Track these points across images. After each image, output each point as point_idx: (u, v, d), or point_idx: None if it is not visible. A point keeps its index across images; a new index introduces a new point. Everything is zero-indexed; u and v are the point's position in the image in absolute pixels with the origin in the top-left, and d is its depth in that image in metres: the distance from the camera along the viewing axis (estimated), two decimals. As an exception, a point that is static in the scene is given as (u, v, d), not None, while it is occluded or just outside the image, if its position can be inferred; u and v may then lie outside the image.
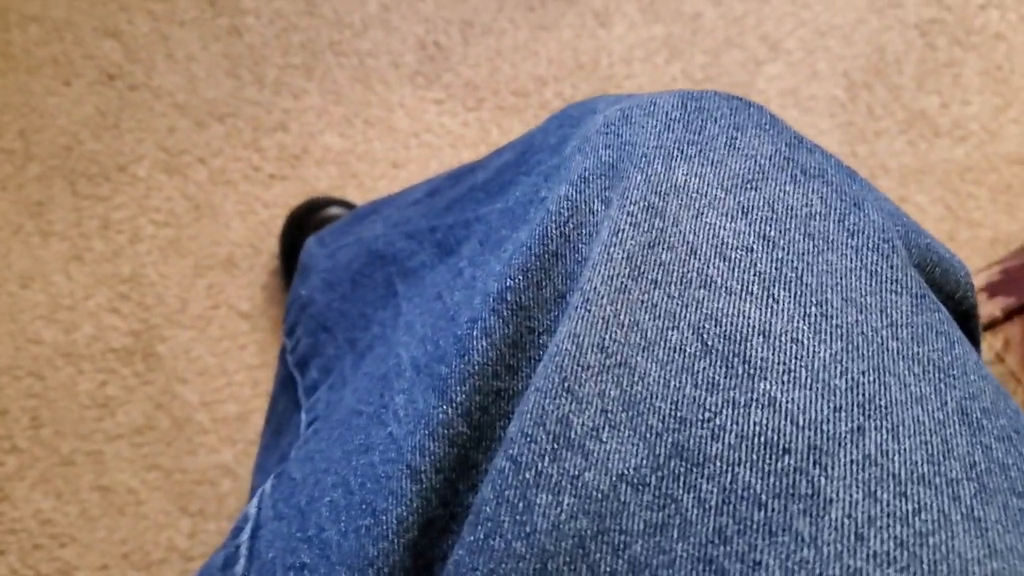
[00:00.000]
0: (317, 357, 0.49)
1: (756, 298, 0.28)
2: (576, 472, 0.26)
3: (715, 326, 0.27)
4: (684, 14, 1.06)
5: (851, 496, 0.24)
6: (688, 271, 0.28)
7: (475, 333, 0.30)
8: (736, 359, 0.27)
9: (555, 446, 0.27)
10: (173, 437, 0.90)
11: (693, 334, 0.27)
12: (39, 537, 0.88)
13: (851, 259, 0.29)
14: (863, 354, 0.27)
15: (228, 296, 0.94)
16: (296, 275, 0.59)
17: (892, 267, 0.30)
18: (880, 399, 0.26)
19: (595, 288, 0.28)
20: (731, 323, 0.27)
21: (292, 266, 0.91)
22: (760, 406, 0.26)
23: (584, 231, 0.31)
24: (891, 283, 0.29)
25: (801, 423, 0.25)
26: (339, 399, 0.41)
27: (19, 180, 0.94)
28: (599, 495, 0.26)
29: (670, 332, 0.27)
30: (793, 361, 0.26)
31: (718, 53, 1.05)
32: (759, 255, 0.28)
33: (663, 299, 0.28)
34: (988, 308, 0.61)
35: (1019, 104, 1.08)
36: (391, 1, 1.02)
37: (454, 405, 0.30)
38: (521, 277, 0.30)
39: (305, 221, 0.92)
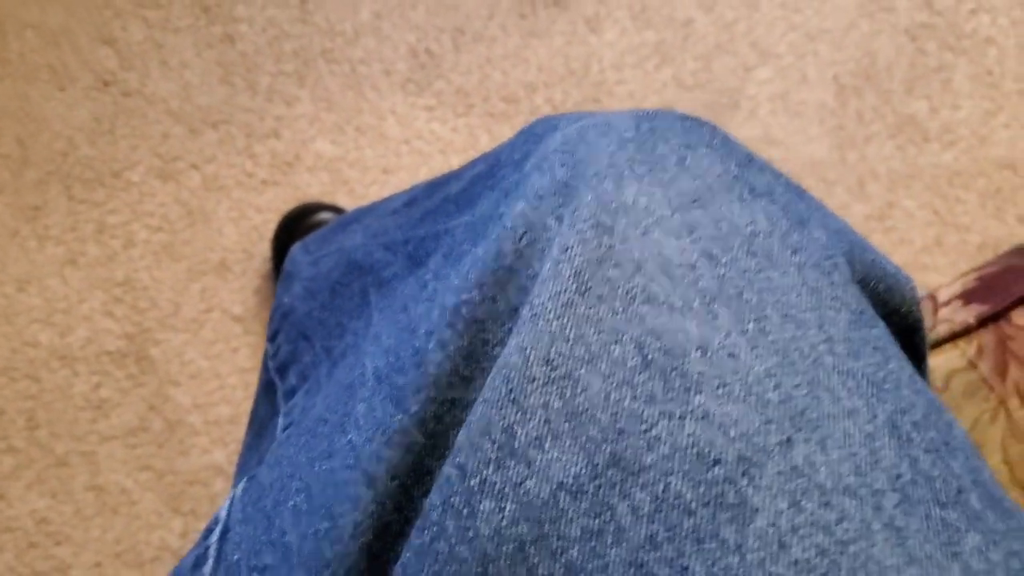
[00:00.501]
0: (296, 363, 0.51)
1: (696, 314, 0.29)
2: (519, 480, 0.27)
3: (656, 340, 0.28)
4: (675, 20, 1.07)
5: (776, 506, 0.25)
6: (633, 287, 0.29)
7: (431, 345, 0.31)
8: (674, 373, 0.28)
9: (499, 455, 0.28)
10: (166, 438, 0.92)
11: (635, 348, 0.28)
12: (34, 535, 0.89)
13: (793, 276, 0.30)
14: (798, 369, 0.28)
15: (221, 300, 0.95)
16: (280, 282, 0.60)
17: (832, 284, 0.31)
18: (812, 412, 0.27)
19: (543, 303, 0.29)
20: (671, 338, 0.28)
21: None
22: (695, 418, 0.27)
23: (538, 247, 0.32)
24: (831, 300, 0.30)
25: (732, 435, 0.26)
26: (312, 405, 0.42)
27: (16, 185, 0.96)
28: (539, 502, 0.27)
29: (613, 346, 0.28)
30: (729, 375, 0.27)
31: (709, 59, 1.06)
32: (702, 272, 0.29)
33: (608, 314, 0.29)
34: (962, 315, 0.62)
35: (1009, 109, 1.08)
36: (383, 9, 1.03)
37: (410, 414, 0.31)
38: (476, 291, 0.31)
39: (297, 226, 0.93)
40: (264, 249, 0.96)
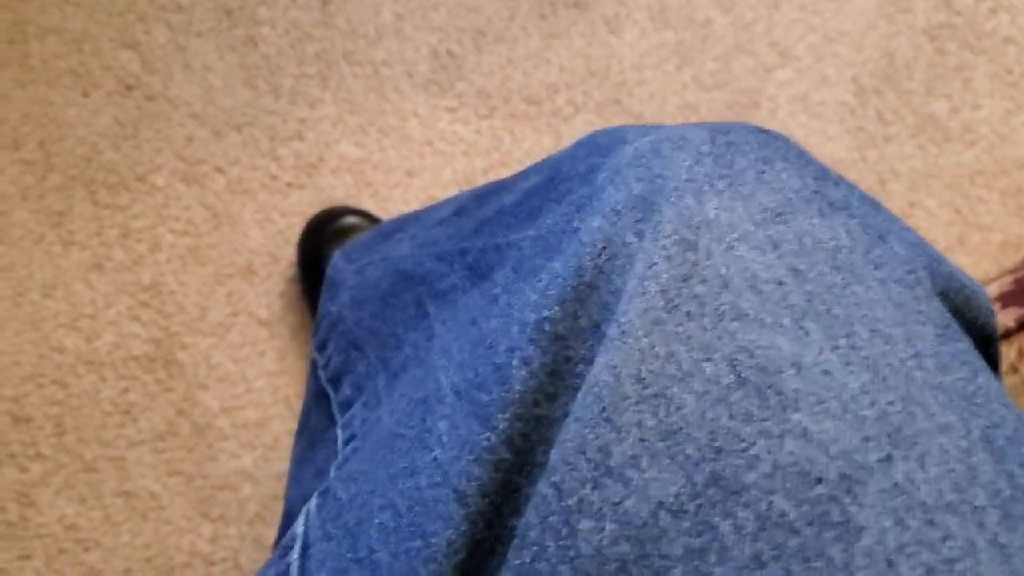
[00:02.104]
0: (349, 374, 0.51)
1: (788, 330, 0.29)
2: (617, 499, 0.27)
3: (748, 358, 0.28)
4: (694, 21, 1.07)
5: (881, 524, 0.25)
6: (721, 304, 0.29)
7: (514, 362, 0.31)
8: (770, 390, 0.28)
9: (596, 474, 0.28)
10: (194, 443, 0.92)
11: (728, 366, 0.28)
12: (64, 542, 0.89)
13: (877, 291, 0.30)
14: (890, 385, 0.28)
15: (247, 304, 0.95)
16: (324, 290, 0.60)
17: (916, 298, 0.31)
18: (907, 429, 0.27)
19: (631, 320, 0.29)
20: (764, 355, 0.28)
21: (310, 274, 0.92)
22: (793, 436, 0.27)
23: (618, 263, 0.32)
24: (916, 314, 0.30)
25: (832, 453, 0.26)
26: (376, 419, 0.42)
27: (40, 190, 0.95)
28: (639, 521, 0.27)
29: (705, 364, 0.28)
30: (824, 392, 0.27)
31: (728, 60, 1.06)
32: (790, 288, 0.30)
33: (698, 331, 0.29)
34: (1001, 319, 0.62)
35: (1028, 108, 1.09)
36: (405, 11, 1.03)
37: (497, 432, 0.31)
38: (558, 307, 0.31)
39: (322, 230, 0.93)
40: (289, 252, 0.96)
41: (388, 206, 0.98)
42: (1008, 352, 0.60)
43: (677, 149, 0.34)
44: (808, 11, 1.08)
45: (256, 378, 0.93)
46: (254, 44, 1.01)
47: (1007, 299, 0.64)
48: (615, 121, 1.03)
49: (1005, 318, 0.62)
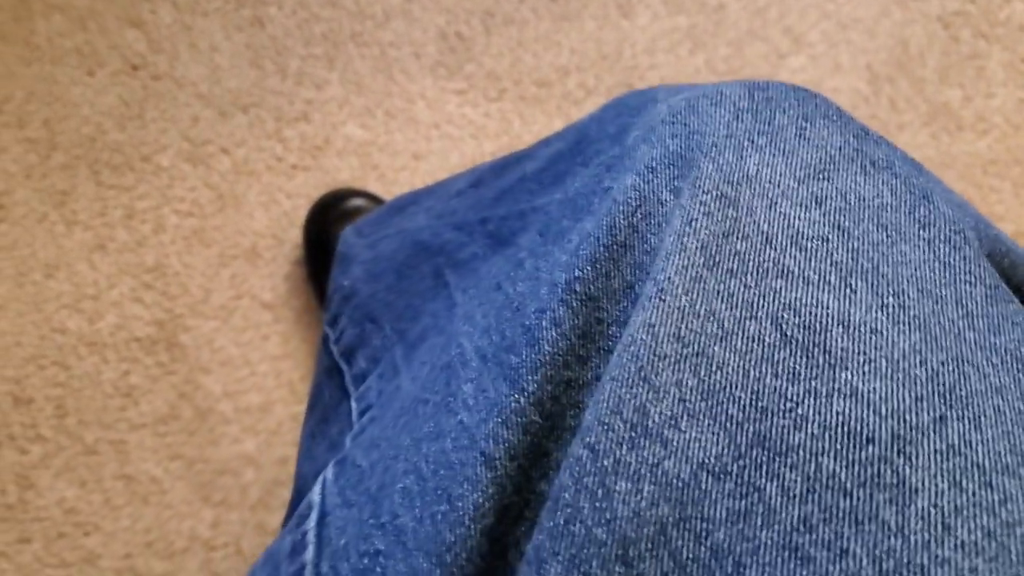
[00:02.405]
0: (364, 347, 0.49)
1: (834, 288, 0.27)
2: (655, 460, 0.26)
3: (794, 316, 0.27)
4: (707, 5, 1.05)
5: (936, 486, 0.24)
6: (764, 260, 0.28)
7: (544, 323, 0.30)
8: (816, 349, 0.26)
9: (633, 434, 0.26)
10: (196, 427, 0.90)
11: (772, 324, 0.27)
12: (63, 525, 0.88)
13: (924, 250, 0.29)
14: (941, 344, 0.27)
15: (251, 286, 0.94)
16: (335, 265, 0.58)
17: (965, 258, 0.30)
18: (960, 389, 0.26)
19: (669, 278, 0.28)
20: (810, 313, 0.27)
21: (315, 257, 0.91)
22: (842, 396, 0.26)
23: (653, 221, 0.30)
24: (965, 274, 0.29)
25: (884, 412, 0.25)
26: (395, 388, 0.41)
27: (43, 169, 0.94)
28: (679, 483, 0.26)
29: (748, 322, 0.27)
30: (873, 351, 0.26)
31: (741, 45, 1.05)
32: (835, 245, 0.28)
33: (740, 289, 0.28)
34: None
35: (1042, 97, 1.07)
36: (414, -9, 1.01)
37: (526, 394, 0.30)
38: (589, 268, 0.30)
39: (328, 212, 0.92)
40: (294, 235, 0.95)
41: (394, 189, 0.97)
42: None
43: (714, 105, 0.33)
44: (821, -3, 1.07)
45: (259, 362, 0.92)
46: (261, 24, 0.99)
47: None
48: (625, 106, 1.02)
49: None
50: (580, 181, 0.36)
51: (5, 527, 0.87)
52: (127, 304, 0.92)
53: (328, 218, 0.91)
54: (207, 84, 0.98)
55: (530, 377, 0.30)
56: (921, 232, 0.30)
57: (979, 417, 0.26)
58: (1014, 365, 0.27)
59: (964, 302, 0.28)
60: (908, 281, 0.28)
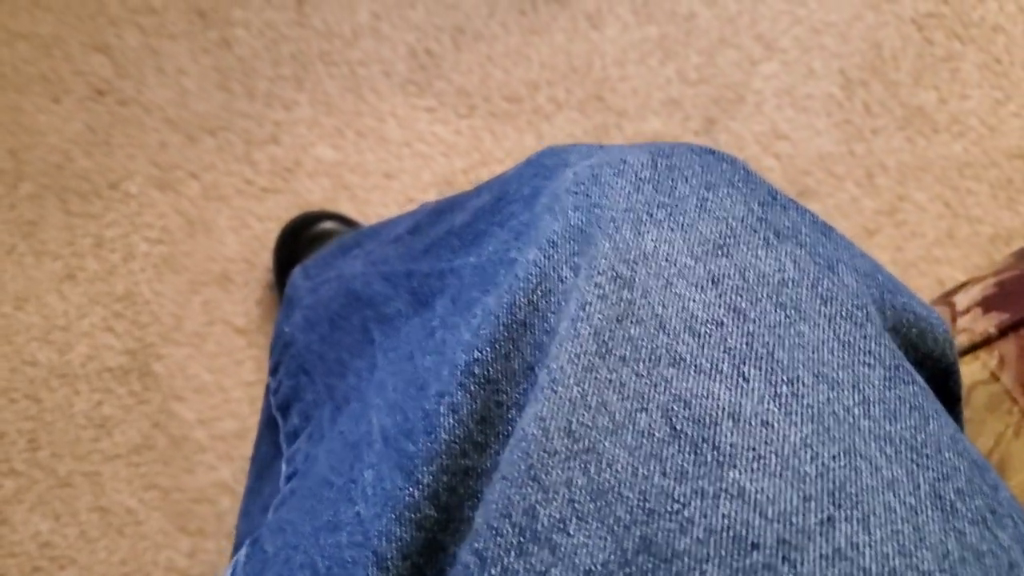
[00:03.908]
0: (298, 402, 0.49)
1: (726, 377, 0.27)
2: (543, 569, 0.25)
3: (684, 408, 0.26)
4: (678, 14, 1.05)
5: None
6: (657, 347, 0.28)
7: (442, 409, 0.30)
8: (705, 445, 0.26)
9: (521, 540, 0.26)
10: (171, 456, 0.90)
11: (662, 417, 0.26)
12: (38, 560, 0.88)
13: (824, 329, 0.28)
14: (834, 436, 0.26)
15: (224, 312, 0.93)
16: (281, 308, 0.58)
17: (865, 336, 0.29)
18: (851, 486, 0.25)
19: (562, 367, 0.28)
20: (700, 405, 0.26)
21: (287, 281, 0.90)
22: (729, 497, 0.25)
23: (553, 299, 0.30)
24: (864, 355, 0.28)
25: (770, 515, 0.25)
26: (315, 456, 0.41)
27: (11, 200, 0.94)
28: None
29: (638, 414, 0.27)
30: (763, 446, 0.26)
31: (712, 53, 1.04)
32: (729, 329, 0.28)
33: (631, 378, 0.27)
34: (982, 324, 0.60)
35: (1019, 97, 1.07)
36: (381, 9, 1.01)
37: (420, 487, 0.29)
38: (489, 349, 0.30)
39: (299, 235, 0.91)
40: (266, 259, 0.94)
41: (366, 209, 0.97)
42: (989, 360, 0.59)
43: (616, 175, 0.32)
44: (794, 2, 1.06)
45: (233, 388, 0.92)
46: (228, 46, 0.99)
47: (989, 303, 0.62)
48: (598, 118, 1.01)
49: (987, 323, 0.60)
50: (492, 245, 0.36)
51: (-20, 562, 0.87)
52: (98, 334, 0.92)
53: (299, 241, 0.91)
54: (175, 108, 0.97)
55: (425, 468, 0.29)
56: (822, 308, 0.29)
57: (868, 516, 0.25)
58: (908, 455, 0.27)
59: (861, 386, 0.28)
60: (804, 366, 0.27)
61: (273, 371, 0.54)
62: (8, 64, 0.96)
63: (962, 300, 0.64)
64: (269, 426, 0.53)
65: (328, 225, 0.91)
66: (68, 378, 0.91)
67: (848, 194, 1.02)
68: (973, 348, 0.60)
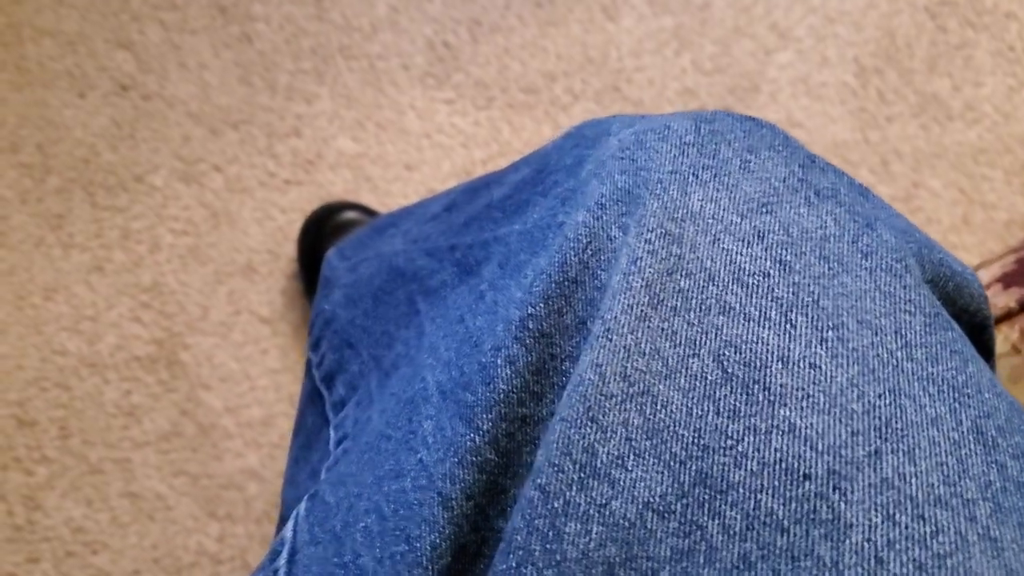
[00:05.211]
0: (343, 373, 0.50)
1: (774, 324, 0.28)
2: (603, 501, 0.27)
3: (735, 353, 0.28)
4: (692, 4, 1.06)
5: (870, 520, 0.25)
6: (707, 298, 0.29)
7: (499, 361, 0.31)
8: (756, 386, 0.27)
9: (582, 475, 0.27)
10: (199, 443, 0.92)
11: (714, 361, 0.28)
12: (71, 544, 0.89)
13: (865, 280, 0.30)
14: (879, 377, 0.27)
15: (249, 302, 0.95)
16: (319, 288, 0.59)
17: (905, 287, 0.30)
18: (896, 422, 0.27)
19: (615, 317, 0.29)
20: (750, 350, 0.28)
21: (310, 271, 0.92)
22: (780, 432, 0.26)
23: (603, 257, 0.31)
24: (904, 303, 0.30)
25: (820, 448, 0.26)
26: (367, 419, 0.42)
27: (39, 193, 0.95)
28: (626, 523, 0.26)
29: (691, 360, 0.28)
30: (811, 386, 0.27)
31: (727, 43, 1.05)
32: (776, 280, 0.29)
33: (683, 327, 0.29)
34: (1003, 299, 0.61)
35: (1032, 84, 1.07)
36: (399, 3, 1.02)
37: (481, 433, 0.30)
38: (542, 305, 0.31)
39: (321, 225, 0.92)
40: (289, 249, 0.96)
41: (387, 200, 0.98)
42: (1011, 333, 0.60)
43: (661, 140, 0.33)
44: (807, -8, 1.07)
45: (259, 376, 0.93)
46: (249, 40, 1.00)
47: (1009, 279, 0.63)
48: (615, 109, 1.03)
49: (1007, 299, 0.61)
50: (538, 213, 0.37)
51: (14, 548, 0.89)
52: (126, 324, 0.93)
53: (322, 232, 0.92)
54: (197, 102, 0.99)
55: (485, 416, 0.31)
56: (863, 262, 0.30)
57: (913, 449, 0.26)
58: (950, 394, 0.28)
59: (903, 332, 0.29)
60: (848, 313, 0.29)
61: (314, 347, 0.55)
62: (34, 60, 0.98)
63: (983, 277, 0.65)
64: (312, 399, 0.54)
65: (350, 215, 0.92)
66: (97, 367, 0.92)
67: (863, 181, 1.03)
68: (995, 322, 0.61)
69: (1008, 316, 0.60)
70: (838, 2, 1.07)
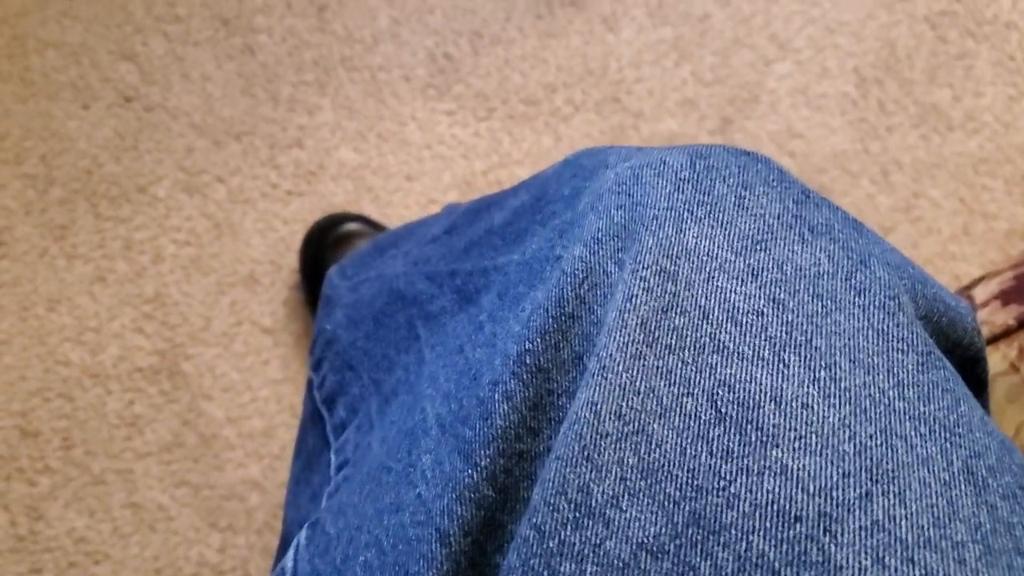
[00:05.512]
0: (343, 395, 0.51)
1: (767, 363, 0.28)
2: (598, 541, 0.27)
3: (728, 392, 0.28)
4: (692, 16, 1.06)
5: (860, 563, 0.25)
6: (701, 336, 0.29)
7: (496, 396, 0.31)
8: (749, 426, 0.28)
9: (577, 515, 0.28)
10: (201, 453, 0.92)
11: (707, 401, 0.28)
12: (74, 555, 0.90)
13: (858, 319, 0.30)
14: (871, 417, 0.28)
15: (250, 313, 0.95)
16: (320, 306, 0.60)
17: (898, 325, 0.30)
18: (887, 463, 0.27)
19: (611, 355, 0.29)
20: (744, 389, 0.28)
21: (312, 281, 0.92)
22: (773, 474, 0.27)
23: (599, 292, 0.32)
24: (897, 341, 0.30)
25: (812, 490, 0.26)
26: (367, 445, 0.43)
27: (42, 204, 0.96)
28: (620, 563, 0.27)
29: (685, 399, 0.28)
30: (804, 427, 0.27)
31: (727, 54, 1.06)
32: (769, 319, 0.29)
33: (678, 365, 0.29)
34: (1001, 316, 0.61)
35: (1032, 94, 1.08)
36: (401, 15, 1.03)
37: (479, 469, 0.31)
38: (539, 339, 0.31)
39: (324, 236, 0.93)
40: (292, 260, 0.96)
41: (388, 211, 0.98)
42: (1009, 351, 0.60)
43: (657, 175, 0.34)
44: (807, 2, 1.07)
45: (261, 387, 0.94)
46: (251, 52, 1.01)
47: (1008, 296, 0.63)
48: (615, 120, 1.03)
49: (1006, 316, 0.61)
50: (536, 243, 0.37)
51: (17, 558, 0.89)
52: (129, 335, 0.94)
53: (324, 243, 0.93)
54: (200, 114, 0.99)
55: (483, 451, 0.31)
56: (856, 299, 0.31)
57: (904, 491, 0.27)
58: (941, 434, 0.28)
59: (895, 371, 0.29)
60: (840, 352, 0.29)
61: (316, 367, 0.56)
62: (38, 72, 0.98)
63: (980, 294, 0.66)
64: (314, 419, 0.54)
65: (352, 226, 0.93)
66: (100, 378, 0.93)
67: (864, 191, 1.03)
68: (993, 340, 0.61)
69: (1007, 333, 0.60)
70: (838, 13, 1.08)
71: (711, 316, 0.30)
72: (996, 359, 0.61)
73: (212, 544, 0.91)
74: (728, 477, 0.27)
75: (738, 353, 0.29)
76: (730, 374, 0.28)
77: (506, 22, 1.04)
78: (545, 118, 1.02)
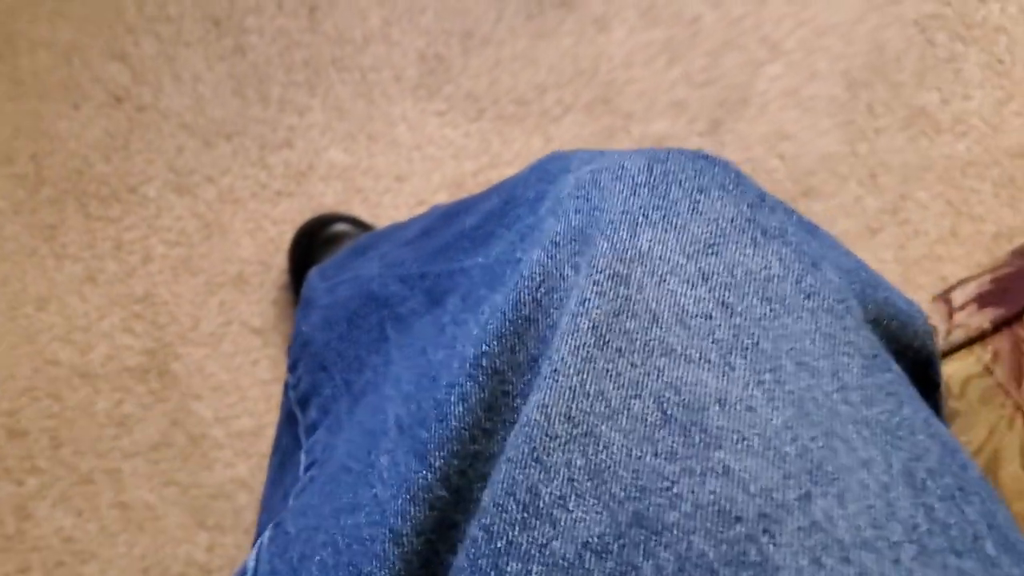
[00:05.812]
0: (316, 396, 0.51)
1: (714, 366, 0.29)
2: (544, 541, 0.28)
3: (675, 395, 0.28)
4: (683, 17, 1.06)
5: (797, 563, 0.26)
6: (651, 339, 0.30)
7: (452, 398, 0.32)
8: (694, 428, 0.28)
9: (525, 515, 0.28)
10: (189, 453, 0.92)
11: (654, 403, 0.29)
12: (61, 554, 0.90)
13: (807, 321, 0.30)
14: (814, 419, 0.28)
15: (240, 313, 0.96)
16: (299, 308, 0.60)
17: (845, 328, 0.31)
18: (828, 464, 0.27)
19: (563, 358, 0.30)
20: (690, 392, 0.28)
21: (301, 282, 0.92)
22: (715, 475, 0.27)
23: (555, 296, 0.32)
24: (844, 345, 0.30)
25: (752, 491, 0.27)
26: (334, 446, 0.43)
27: (32, 204, 0.96)
28: (565, 563, 0.27)
29: (633, 401, 0.29)
30: (747, 429, 0.28)
31: (718, 55, 1.06)
32: (718, 322, 0.30)
33: (627, 368, 0.29)
34: (977, 319, 0.62)
35: (1021, 97, 1.08)
36: (391, 15, 1.03)
37: (433, 470, 0.31)
38: (496, 343, 0.32)
39: (313, 237, 0.93)
40: (281, 260, 0.97)
41: (378, 212, 0.99)
42: (983, 354, 0.60)
43: (615, 179, 0.34)
44: (797, 5, 1.08)
45: (250, 387, 0.94)
46: (242, 53, 1.01)
47: (984, 299, 0.63)
48: (605, 121, 1.03)
49: (982, 319, 0.61)
50: (499, 247, 0.38)
51: (5, 558, 0.90)
52: (118, 334, 0.94)
53: (313, 243, 0.93)
54: (191, 114, 0.99)
55: (437, 452, 0.31)
56: (805, 302, 0.31)
57: (843, 492, 0.27)
58: (883, 437, 0.29)
59: (840, 374, 0.30)
60: (787, 355, 0.29)
61: (292, 368, 0.56)
62: (29, 72, 0.99)
63: (958, 297, 0.66)
64: (289, 420, 0.55)
65: (341, 227, 0.93)
66: (89, 377, 0.93)
67: (852, 193, 1.04)
68: (968, 343, 0.62)
69: (981, 337, 0.60)
70: (827, 15, 1.08)
71: (661, 319, 0.30)
72: (971, 362, 0.61)
73: (200, 543, 0.91)
74: (672, 478, 0.27)
75: (686, 356, 0.29)
76: (677, 376, 0.29)
77: (497, 23, 1.04)
78: (535, 119, 1.03)
